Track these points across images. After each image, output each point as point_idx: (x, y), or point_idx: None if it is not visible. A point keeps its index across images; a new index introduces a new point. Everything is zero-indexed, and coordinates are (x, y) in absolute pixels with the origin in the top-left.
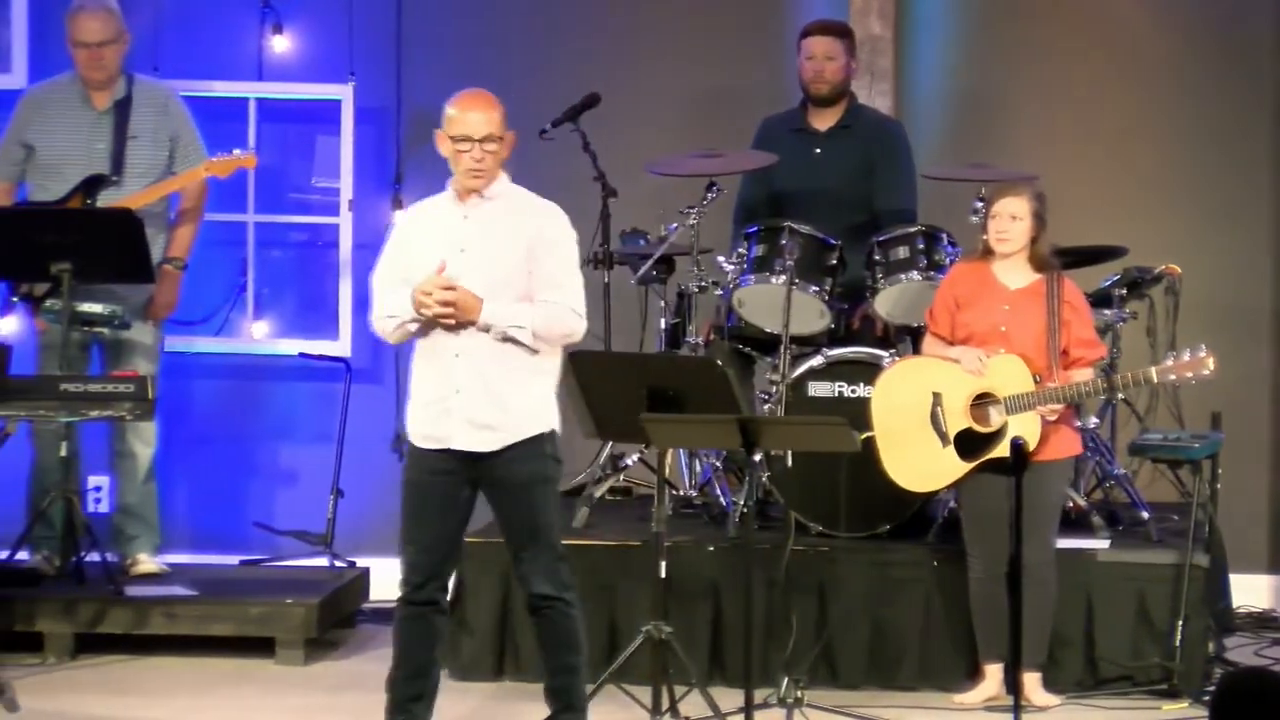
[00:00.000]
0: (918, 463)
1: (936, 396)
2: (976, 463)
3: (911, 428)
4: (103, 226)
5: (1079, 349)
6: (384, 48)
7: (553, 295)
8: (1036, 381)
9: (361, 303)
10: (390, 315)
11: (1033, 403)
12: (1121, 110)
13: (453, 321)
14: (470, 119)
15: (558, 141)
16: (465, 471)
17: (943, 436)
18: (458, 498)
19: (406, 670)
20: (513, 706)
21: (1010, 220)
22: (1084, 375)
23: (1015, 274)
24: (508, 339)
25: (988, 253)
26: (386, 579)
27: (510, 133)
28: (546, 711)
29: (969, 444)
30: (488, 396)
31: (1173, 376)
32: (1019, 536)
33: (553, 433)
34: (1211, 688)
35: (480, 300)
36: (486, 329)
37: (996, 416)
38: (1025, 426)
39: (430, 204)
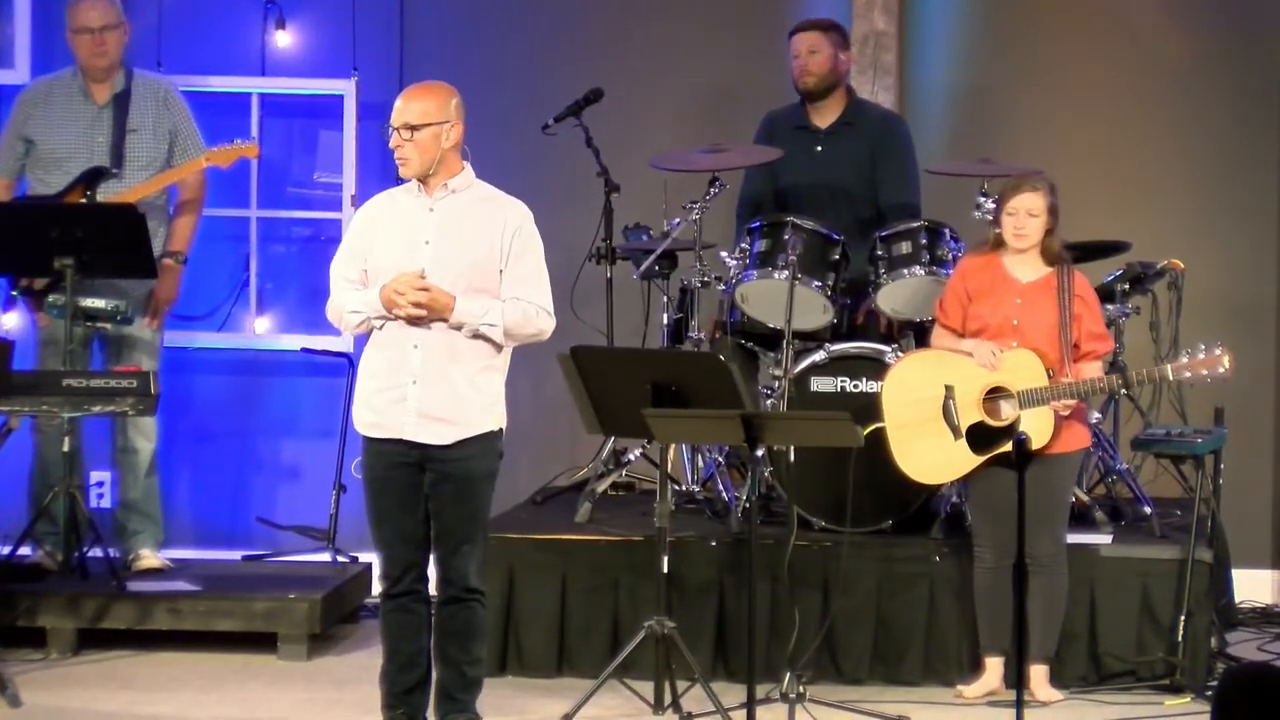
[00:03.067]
0: (929, 455)
1: (949, 389)
2: (987, 456)
3: (923, 420)
4: (105, 221)
5: (1089, 342)
6: (387, 43)
7: (523, 293)
8: (1050, 376)
9: None
10: (354, 310)
11: (1046, 398)
12: (1125, 105)
13: (423, 317)
14: (400, 106)
15: (561, 137)
16: (417, 459)
17: (955, 429)
18: (419, 486)
19: (397, 663)
20: (515, 702)
21: (1028, 217)
22: (1097, 371)
23: (1027, 267)
24: (477, 336)
25: (998, 245)
26: None
27: (452, 125)
28: (549, 706)
29: (981, 437)
30: (445, 390)
31: (1188, 374)
32: (1023, 530)
33: (501, 430)
34: (1214, 683)
35: (453, 298)
36: (458, 326)
37: (1009, 410)
38: (1038, 421)
39: (393, 195)
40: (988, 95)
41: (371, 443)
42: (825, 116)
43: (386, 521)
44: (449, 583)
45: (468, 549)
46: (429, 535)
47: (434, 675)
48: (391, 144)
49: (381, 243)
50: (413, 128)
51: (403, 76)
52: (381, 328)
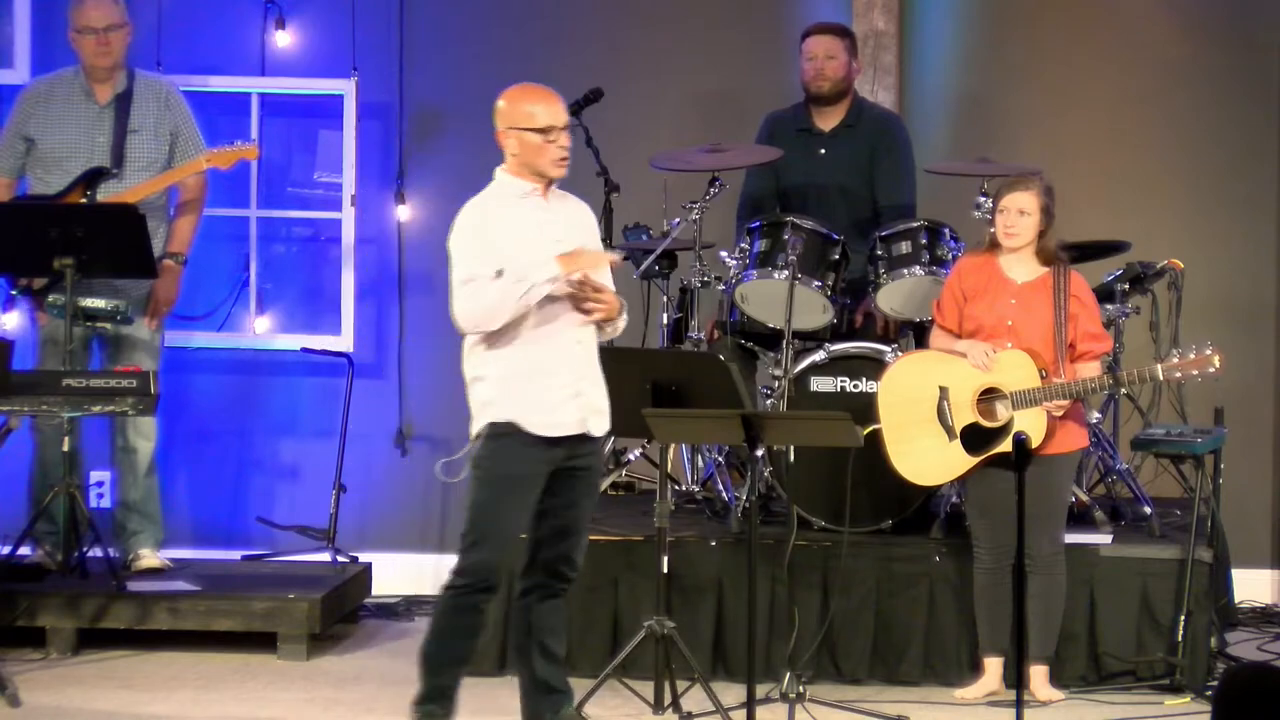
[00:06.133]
0: (924, 456)
1: (943, 391)
2: (982, 457)
3: (918, 421)
4: (105, 221)
5: (1086, 342)
6: (387, 43)
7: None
8: (1043, 376)
9: (363, 297)
10: (519, 281)
11: (1039, 398)
12: (1125, 105)
13: (601, 313)
14: (556, 109)
15: None
16: (561, 456)
17: (949, 431)
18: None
19: (524, 658)
20: (515, 702)
21: (1018, 215)
22: (1090, 371)
23: (1022, 268)
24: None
25: (994, 246)
26: (389, 574)
27: None
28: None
29: (975, 438)
30: (600, 382)
31: (1178, 374)
32: (1022, 530)
33: None
34: (1214, 683)
35: (622, 302)
36: (616, 329)
37: (1003, 411)
38: (1031, 421)
39: (499, 197)
40: (987, 95)
41: (533, 441)
42: (829, 120)
43: (526, 514)
44: (564, 576)
45: (578, 541)
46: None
47: (532, 671)
48: (561, 145)
49: (512, 244)
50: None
51: (403, 76)
52: (534, 323)
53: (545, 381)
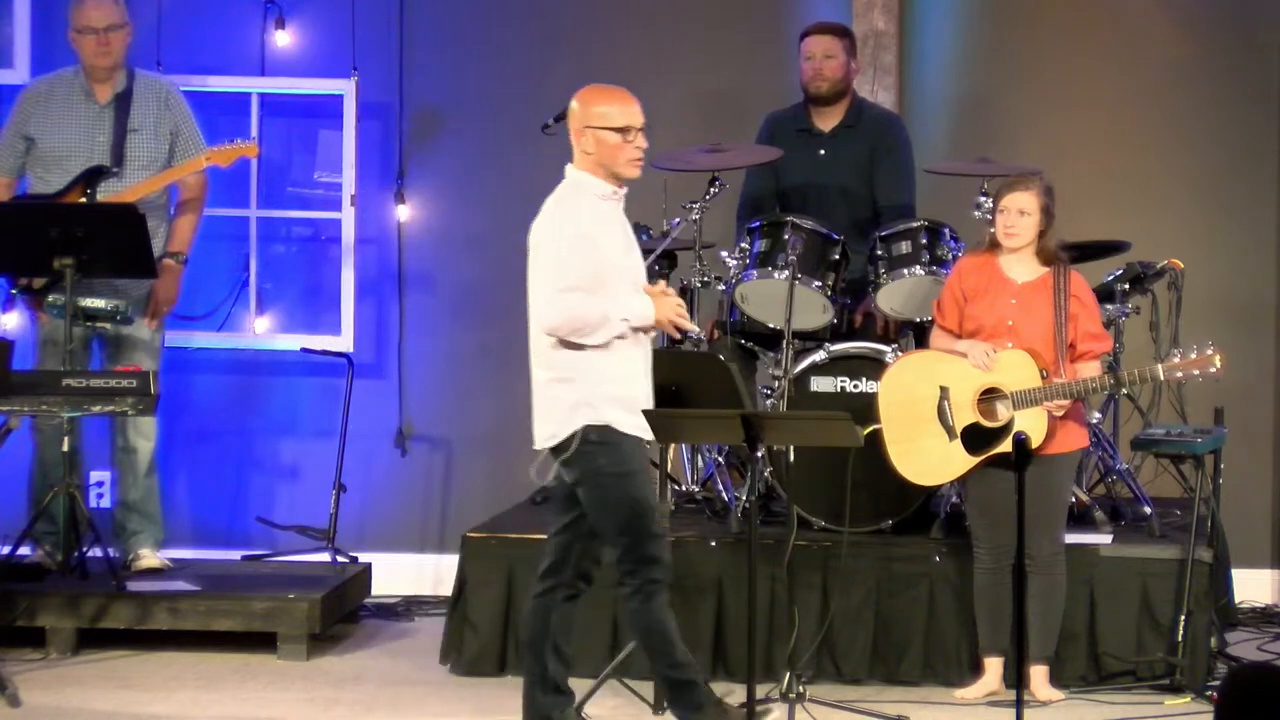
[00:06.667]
0: (924, 457)
1: (944, 391)
2: (983, 457)
3: (919, 421)
4: (105, 221)
5: (1086, 342)
6: (387, 43)
7: None
8: (1043, 376)
9: (363, 297)
10: (624, 319)
11: (1039, 398)
12: (1125, 105)
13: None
14: (633, 110)
15: (560, 136)
16: None
17: (949, 430)
18: None
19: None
20: (515, 702)
21: (1018, 215)
22: (1090, 371)
23: (1022, 268)
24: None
25: (994, 246)
26: (389, 574)
27: None
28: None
29: (976, 438)
30: None
31: (1179, 374)
32: (1022, 530)
33: None
34: (1214, 683)
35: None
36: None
37: (1003, 411)
38: (1031, 421)
39: (581, 200)
40: (987, 95)
41: (638, 441)
42: (829, 120)
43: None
44: (590, 579)
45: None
46: None
47: (544, 670)
48: (638, 145)
49: (607, 248)
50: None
51: (403, 76)
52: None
53: (631, 386)
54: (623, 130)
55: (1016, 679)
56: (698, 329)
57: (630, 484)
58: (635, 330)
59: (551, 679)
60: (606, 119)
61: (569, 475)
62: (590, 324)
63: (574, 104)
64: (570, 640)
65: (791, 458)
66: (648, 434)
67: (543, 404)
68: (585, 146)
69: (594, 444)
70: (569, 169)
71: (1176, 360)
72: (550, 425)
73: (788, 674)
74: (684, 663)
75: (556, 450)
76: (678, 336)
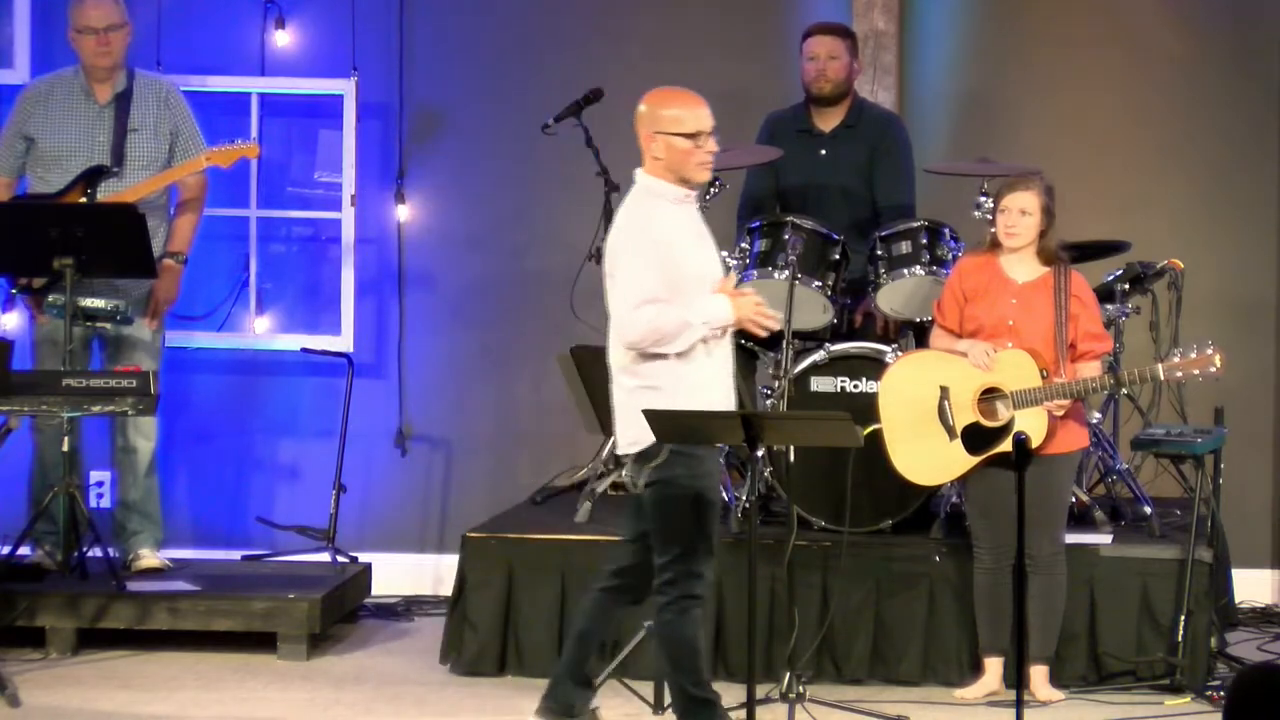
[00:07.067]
0: (925, 456)
1: (944, 390)
2: (983, 457)
3: (919, 421)
4: (105, 221)
5: (1086, 342)
6: (386, 42)
7: None
8: (1043, 376)
9: (363, 297)
10: (705, 323)
11: (1039, 398)
12: (1125, 105)
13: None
14: (703, 114)
15: (560, 136)
16: None
17: (950, 430)
18: None
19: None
20: (515, 702)
21: (1020, 215)
22: (1091, 371)
23: (1023, 267)
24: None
25: (995, 246)
26: (389, 574)
27: None
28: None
29: (976, 438)
30: None
31: (1179, 374)
32: (1022, 530)
33: None
34: (1214, 683)
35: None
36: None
37: (1003, 411)
38: (1032, 421)
39: (652, 206)
40: (987, 95)
41: (716, 453)
42: (829, 120)
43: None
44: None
45: None
46: None
47: (585, 661)
48: (709, 150)
49: (682, 252)
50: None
51: (403, 76)
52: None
53: (711, 393)
54: (693, 135)
55: (1016, 679)
56: (778, 321)
57: (700, 498)
58: (715, 332)
59: (585, 672)
60: (678, 124)
61: (640, 477)
62: (669, 334)
63: (642, 107)
64: (614, 640)
65: (791, 458)
66: (727, 441)
67: (626, 412)
68: (655, 151)
69: (674, 453)
70: (639, 174)
71: (1177, 360)
72: (633, 432)
73: (788, 674)
74: (707, 682)
75: (640, 457)
76: (761, 334)
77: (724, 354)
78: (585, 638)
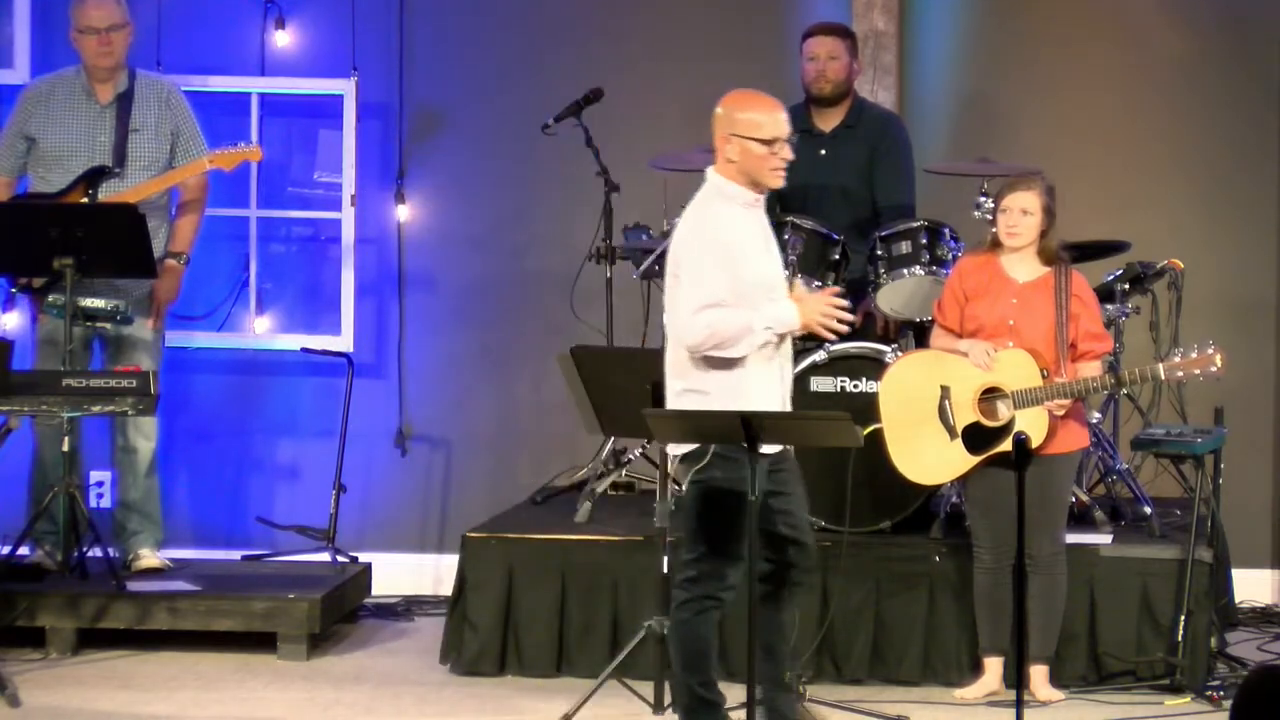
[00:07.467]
0: (925, 456)
1: (944, 390)
2: (983, 457)
3: (919, 421)
4: (105, 221)
5: (1087, 342)
6: (387, 43)
7: None
8: (1044, 376)
9: (363, 297)
10: (768, 327)
11: (1040, 398)
12: (1125, 105)
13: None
14: (780, 120)
15: (560, 136)
16: None
17: (950, 430)
18: None
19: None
20: (515, 702)
21: (1021, 215)
22: (1091, 370)
23: (1024, 267)
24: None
25: (996, 245)
26: (389, 574)
27: None
28: (549, 706)
29: (977, 438)
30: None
31: (1180, 373)
32: (1023, 530)
33: None
34: (1214, 683)
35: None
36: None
37: (1004, 411)
38: (1032, 421)
39: (721, 207)
40: (987, 95)
41: (760, 460)
42: (829, 120)
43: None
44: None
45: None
46: None
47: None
48: (784, 157)
49: (745, 256)
50: None
51: (403, 76)
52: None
53: (763, 401)
54: (770, 141)
55: (1016, 679)
56: (853, 322)
57: (736, 505)
58: (781, 336)
59: (779, 677)
60: (755, 129)
61: (684, 478)
62: (731, 337)
63: (720, 109)
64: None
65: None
66: (772, 449)
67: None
68: (729, 154)
69: (716, 455)
70: (710, 173)
71: (1177, 360)
72: None
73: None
74: (714, 684)
75: (685, 459)
76: (831, 338)
77: (782, 362)
78: (772, 651)
